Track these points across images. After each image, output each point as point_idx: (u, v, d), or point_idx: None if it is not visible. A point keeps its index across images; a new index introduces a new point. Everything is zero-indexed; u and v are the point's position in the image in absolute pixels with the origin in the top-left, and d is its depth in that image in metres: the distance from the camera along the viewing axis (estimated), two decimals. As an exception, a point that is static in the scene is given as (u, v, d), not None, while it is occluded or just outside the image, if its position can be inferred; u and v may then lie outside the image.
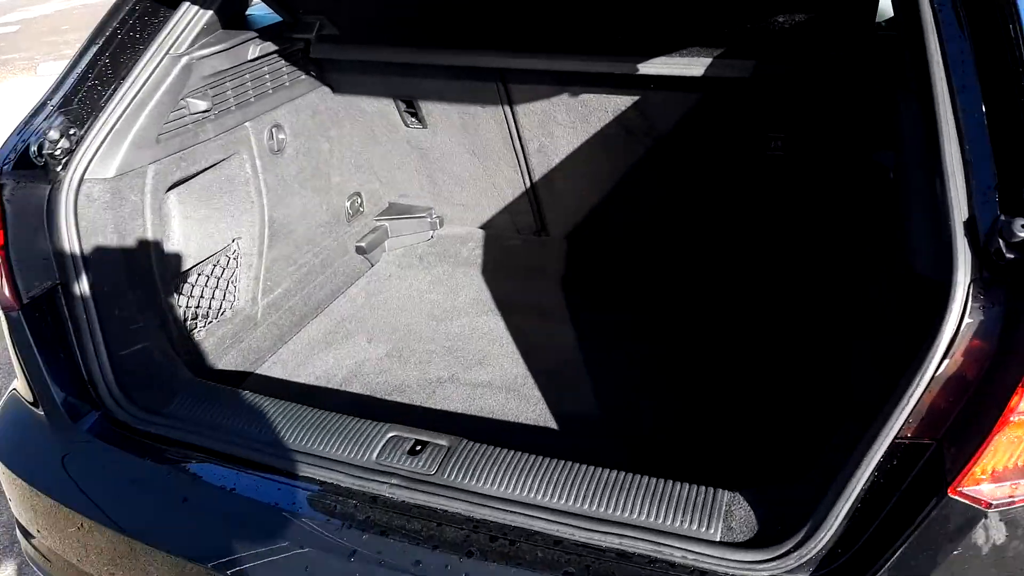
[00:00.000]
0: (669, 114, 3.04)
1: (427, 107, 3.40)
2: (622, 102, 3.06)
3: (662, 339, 3.09)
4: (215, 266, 2.92)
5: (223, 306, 2.97)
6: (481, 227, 3.93)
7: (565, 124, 3.23)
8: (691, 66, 2.76)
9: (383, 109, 3.50)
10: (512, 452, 1.93)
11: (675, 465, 2.38)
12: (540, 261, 3.70)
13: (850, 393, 2.05)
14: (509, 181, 3.60)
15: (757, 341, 3.00)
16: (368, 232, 3.79)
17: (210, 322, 2.91)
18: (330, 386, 2.99)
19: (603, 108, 3.11)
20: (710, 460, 2.49)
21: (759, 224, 3.31)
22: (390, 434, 2.03)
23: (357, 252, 3.71)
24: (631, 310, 3.29)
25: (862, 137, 2.73)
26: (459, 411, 2.80)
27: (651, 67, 2.80)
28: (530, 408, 2.79)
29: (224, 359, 2.93)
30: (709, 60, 2.72)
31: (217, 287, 2.95)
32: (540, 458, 1.91)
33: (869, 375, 1.92)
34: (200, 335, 2.84)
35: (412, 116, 3.50)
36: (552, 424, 2.72)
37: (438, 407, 2.83)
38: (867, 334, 2.15)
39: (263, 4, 3.05)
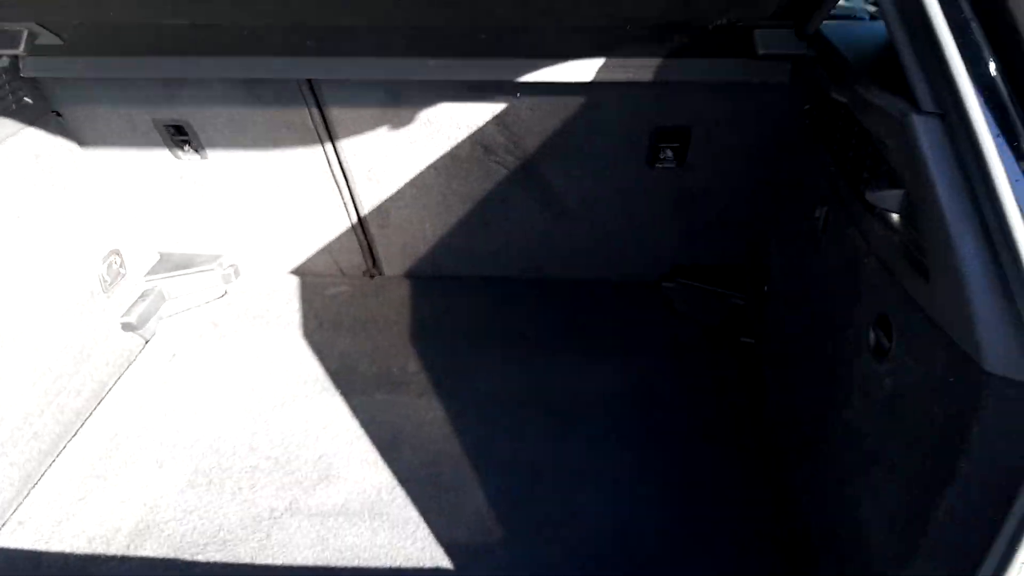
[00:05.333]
0: (541, 125, 2.36)
1: (206, 133, 2.48)
2: (477, 114, 2.34)
3: (564, 409, 2.43)
4: None
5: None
6: (293, 273, 3.06)
7: (404, 143, 2.45)
8: (574, 70, 2.12)
9: (140, 136, 2.53)
10: None
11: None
12: (379, 309, 2.90)
13: None
14: (330, 215, 2.76)
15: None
16: (136, 300, 2.80)
17: None
18: (109, 552, 2.05)
19: (452, 123, 2.37)
20: None
21: (652, 245, 2.75)
22: None
23: (124, 330, 2.73)
24: (512, 367, 2.60)
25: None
26: (308, 564, 1.99)
27: (527, 72, 2.11)
28: (407, 539, 2.04)
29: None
30: (601, 61, 2.10)
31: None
32: None
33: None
34: None
35: (183, 145, 2.56)
36: (445, 562, 1.98)
37: (276, 562, 2.00)
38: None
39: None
